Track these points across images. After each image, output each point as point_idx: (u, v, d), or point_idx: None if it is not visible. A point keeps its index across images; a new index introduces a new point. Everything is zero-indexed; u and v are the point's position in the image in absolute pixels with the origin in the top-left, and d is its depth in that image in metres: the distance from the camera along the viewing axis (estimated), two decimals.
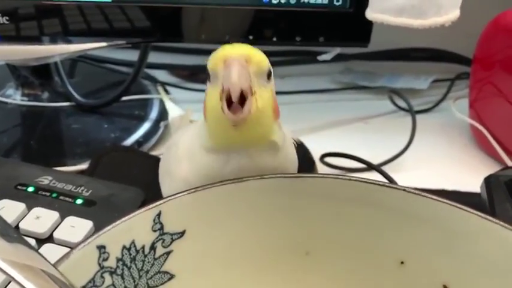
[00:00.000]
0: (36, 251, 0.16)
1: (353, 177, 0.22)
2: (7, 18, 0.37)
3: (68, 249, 0.27)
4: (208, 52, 0.21)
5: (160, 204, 0.20)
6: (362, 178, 0.22)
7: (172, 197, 0.21)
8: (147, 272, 0.21)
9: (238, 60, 0.20)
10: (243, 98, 0.20)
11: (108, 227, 0.19)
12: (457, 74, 0.54)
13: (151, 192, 0.31)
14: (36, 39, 0.38)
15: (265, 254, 0.23)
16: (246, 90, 0.20)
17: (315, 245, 0.23)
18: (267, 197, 0.22)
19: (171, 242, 0.21)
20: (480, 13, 0.41)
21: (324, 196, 0.22)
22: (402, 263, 0.22)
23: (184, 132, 0.27)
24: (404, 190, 0.21)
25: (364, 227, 0.22)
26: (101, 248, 0.19)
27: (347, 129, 0.48)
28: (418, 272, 0.22)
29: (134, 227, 0.20)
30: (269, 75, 0.22)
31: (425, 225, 0.21)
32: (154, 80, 0.51)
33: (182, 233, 0.21)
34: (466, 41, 0.55)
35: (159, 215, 0.20)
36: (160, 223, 0.20)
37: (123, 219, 0.19)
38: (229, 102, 0.20)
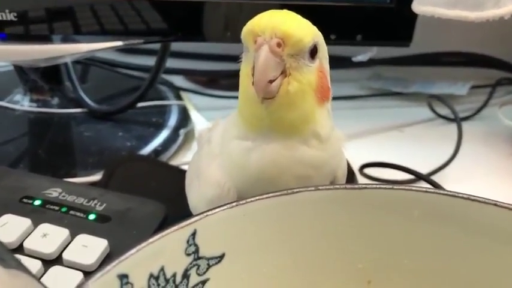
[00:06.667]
0: (37, 279, 0.13)
1: (428, 189, 0.18)
2: (15, 14, 0.34)
3: (78, 273, 0.24)
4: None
5: (195, 221, 0.16)
6: (440, 190, 0.18)
7: (210, 212, 0.17)
8: None
9: (268, 45, 0.18)
10: None
11: (133, 251, 0.15)
12: (496, 79, 0.51)
13: (172, 206, 0.28)
14: (45, 39, 0.36)
15: (320, 283, 0.19)
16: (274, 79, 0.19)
17: (379, 273, 0.19)
18: (323, 213, 0.18)
19: (207, 269, 0.17)
20: None
21: (392, 211, 0.18)
22: None
23: (218, 128, 0.24)
24: (495, 205, 0.17)
25: (441, 249, 0.18)
26: (123, 277, 0.15)
27: (381, 138, 0.44)
28: None
29: (164, 251, 0.16)
30: (313, 54, 0.20)
31: None
32: (172, 86, 0.48)
33: (220, 257, 0.17)
34: (503, 45, 0.51)
35: (193, 234, 0.16)
36: (196, 245, 0.16)
37: (151, 240, 0.15)
38: None
